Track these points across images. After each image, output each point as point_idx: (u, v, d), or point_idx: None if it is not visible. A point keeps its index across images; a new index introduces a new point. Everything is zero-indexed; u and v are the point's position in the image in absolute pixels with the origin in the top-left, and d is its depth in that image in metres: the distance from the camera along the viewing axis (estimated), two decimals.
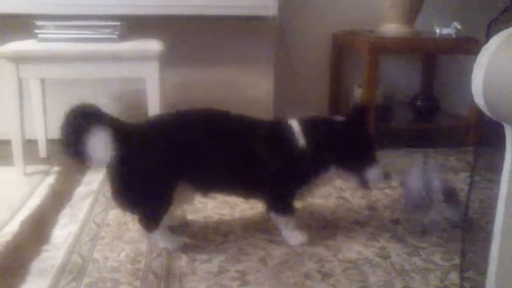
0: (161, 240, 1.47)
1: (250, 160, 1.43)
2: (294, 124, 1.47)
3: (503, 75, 0.69)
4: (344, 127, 1.48)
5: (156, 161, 1.37)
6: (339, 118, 1.52)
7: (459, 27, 2.52)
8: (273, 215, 1.51)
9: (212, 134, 1.44)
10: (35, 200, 1.83)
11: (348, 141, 1.46)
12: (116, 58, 1.95)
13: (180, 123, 1.46)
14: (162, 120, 1.51)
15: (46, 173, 2.09)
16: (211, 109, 1.49)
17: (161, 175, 1.38)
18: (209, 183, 1.48)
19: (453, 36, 2.53)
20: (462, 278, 1.22)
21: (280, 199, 1.50)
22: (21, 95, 1.97)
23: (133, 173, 1.37)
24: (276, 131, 1.49)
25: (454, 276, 1.35)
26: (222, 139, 1.44)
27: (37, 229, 1.61)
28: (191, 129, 1.43)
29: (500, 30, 0.76)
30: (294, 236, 1.51)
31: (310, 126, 1.47)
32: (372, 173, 1.48)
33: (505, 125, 0.78)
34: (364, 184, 1.52)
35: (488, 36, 0.75)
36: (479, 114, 2.48)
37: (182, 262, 1.40)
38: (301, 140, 1.44)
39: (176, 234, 1.52)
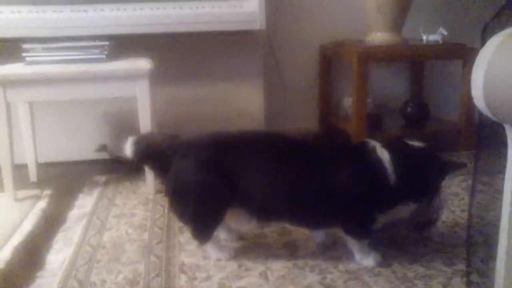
0: (213, 251, 1.49)
1: (329, 185, 1.37)
2: (379, 149, 1.39)
3: (503, 76, 0.69)
4: (427, 156, 1.44)
5: (208, 180, 1.39)
6: (418, 144, 1.46)
7: (445, 33, 2.54)
8: (348, 239, 1.45)
9: (278, 157, 1.41)
10: (27, 226, 1.78)
11: (430, 173, 1.42)
12: (105, 78, 1.93)
13: (240, 143, 1.44)
14: (219, 139, 1.46)
15: (38, 198, 2.05)
16: (272, 132, 1.51)
17: (212, 195, 1.40)
18: (269, 210, 1.43)
19: (440, 42, 2.55)
20: (469, 283, 1.21)
21: (360, 224, 1.43)
22: (9, 119, 1.94)
23: (185, 190, 1.42)
24: (361, 156, 1.41)
25: (456, 282, 1.34)
26: (292, 163, 1.40)
27: (31, 255, 1.57)
28: (250, 151, 1.41)
29: (495, 32, 0.76)
30: (369, 258, 1.44)
31: (398, 153, 1.39)
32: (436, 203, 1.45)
33: (506, 126, 0.78)
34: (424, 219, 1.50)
35: (483, 39, 0.75)
36: (469, 118, 2.51)
37: (182, 281, 1.38)
38: (389, 167, 1.36)
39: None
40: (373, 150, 1.39)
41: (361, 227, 1.43)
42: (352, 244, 1.45)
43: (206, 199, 1.41)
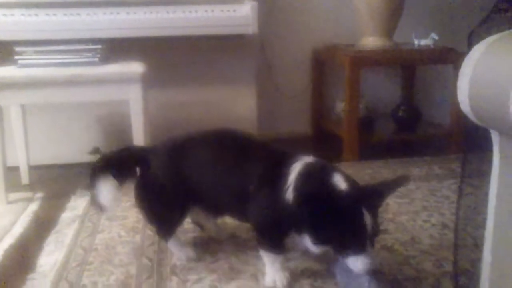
0: (174, 249, 1.54)
1: (243, 190, 1.36)
2: (294, 169, 1.29)
3: (487, 82, 0.71)
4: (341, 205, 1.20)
5: (167, 184, 1.46)
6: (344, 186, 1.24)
7: (436, 37, 2.57)
8: (260, 249, 1.41)
9: (216, 159, 1.44)
10: (19, 228, 1.79)
11: (336, 221, 1.19)
12: (98, 81, 1.94)
13: (192, 147, 1.48)
14: (176, 144, 1.50)
15: (29, 200, 2.05)
16: (229, 133, 1.50)
17: (171, 197, 1.46)
18: (215, 208, 1.51)
19: (431, 46, 2.58)
20: (456, 285, 1.23)
21: (265, 235, 1.38)
22: (1, 122, 1.95)
23: (148, 194, 1.49)
24: (273, 170, 1.33)
25: (445, 283, 1.35)
26: (223, 165, 1.42)
27: (22, 258, 1.58)
28: (199, 154, 1.46)
29: (480, 39, 0.77)
30: (273, 276, 1.37)
31: (305, 180, 1.27)
32: (355, 263, 1.21)
33: (491, 131, 0.80)
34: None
35: (469, 45, 0.77)
36: (460, 122, 2.54)
37: (173, 283, 1.38)
38: (290, 191, 1.27)
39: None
40: (290, 166, 1.30)
41: (266, 238, 1.37)
42: (265, 257, 1.39)
43: (165, 201, 1.47)
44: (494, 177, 0.82)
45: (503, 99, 0.66)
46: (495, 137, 0.80)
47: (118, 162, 1.52)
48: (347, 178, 1.26)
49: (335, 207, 1.19)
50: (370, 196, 1.24)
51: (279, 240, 1.36)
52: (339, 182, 1.24)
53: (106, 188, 1.44)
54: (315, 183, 1.26)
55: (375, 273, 1.24)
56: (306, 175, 1.28)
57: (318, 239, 1.23)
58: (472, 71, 0.72)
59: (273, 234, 1.36)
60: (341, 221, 1.19)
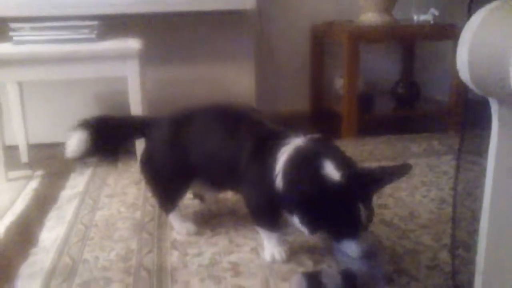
0: (175, 223, 1.55)
1: (235, 166, 1.36)
2: (283, 154, 1.26)
3: (487, 49, 0.71)
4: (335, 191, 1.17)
5: (169, 158, 1.48)
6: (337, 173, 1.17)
7: (436, 13, 2.55)
8: (255, 226, 1.43)
9: (212, 134, 1.44)
10: (20, 205, 1.80)
11: (329, 207, 1.16)
12: (95, 58, 1.93)
13: (193, 120, 1.48)
14: (178, 116, 1.51)
15: (29, 178, 2.05)
16: (228, 107, 1.50)
17: (173, 171, 1.48)
18: (215, 181, 1.51)
19: (431, 22, 2.56)
20: (453, 257, 1.24)
21: (257, 214, 1.40)
22: None
23: (151, 165, 1.52)
24: (262, 151, 1.31)
25: (443, 256, 1.36)
26: (218, 139, 1.42)
27: (24, 234, 1.58)
28: (199, 127, 1.47)
29: (481, 6, 0.77)
30: (271, 251, 1.37)
31: (295, 169, 1.23)
32: (349, 247, 1.24)
33: (490, 99, 0.79)
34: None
35: (469, 12, 0.76)
36: (460, 98, 2.53)
37: (173, 257, 1.39)
38: (279, 179, 1.25)
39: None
40: (279, 149, 1.27)
41: (257, 214, 1.39)
42: (260, 232, 1.41)
43: (168, 173, 1.49)
44: (492, 147, 0.82)
45: (503, 65, 0.66)
46: (494, 106, 0.80)
47: (117, 127, 1.56)
48: (341, 163, 1.20)
49: (327, 199, 1.16)
50: (365, 185, 1.19)
51: (272, 219, 1.38)
52: (331, 170, 1.17)
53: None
54: (305, 174, 1.21)
55: (371, 255, 1.26)
56: (295, 163, 1.23)
57: (311, 228, 1.22)
58: (472, 38, 0.72)
59: (265, 214, 1.38)
60: (334, 212, 1.16)
